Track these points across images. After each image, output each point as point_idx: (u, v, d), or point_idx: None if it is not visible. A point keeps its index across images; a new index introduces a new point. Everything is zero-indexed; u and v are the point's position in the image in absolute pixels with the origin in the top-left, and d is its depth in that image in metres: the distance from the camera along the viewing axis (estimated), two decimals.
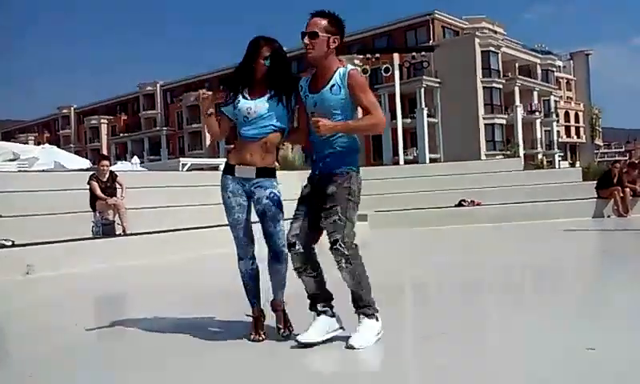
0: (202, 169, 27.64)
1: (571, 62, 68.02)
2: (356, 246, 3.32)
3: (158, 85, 72.53)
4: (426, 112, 46.62)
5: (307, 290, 3.43)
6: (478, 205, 13.07)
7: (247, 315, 3.60)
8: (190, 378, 3.01)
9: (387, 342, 3.43)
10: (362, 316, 3.34)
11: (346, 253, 3.25)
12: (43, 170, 14.00)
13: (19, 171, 13.38)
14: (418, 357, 3.39)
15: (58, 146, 34.07)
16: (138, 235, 8.61)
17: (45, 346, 3.85)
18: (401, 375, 2.99)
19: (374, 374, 3.09)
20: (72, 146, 73.35)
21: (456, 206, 13.10)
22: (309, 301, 3.43)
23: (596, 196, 13.01)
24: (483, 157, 42.93)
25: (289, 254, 3.40)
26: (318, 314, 3.38)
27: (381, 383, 2.91)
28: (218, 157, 51.15)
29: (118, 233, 8.70)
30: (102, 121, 76.01)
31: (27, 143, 61.26)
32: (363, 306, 3.35)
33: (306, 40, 3.26)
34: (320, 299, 3.41)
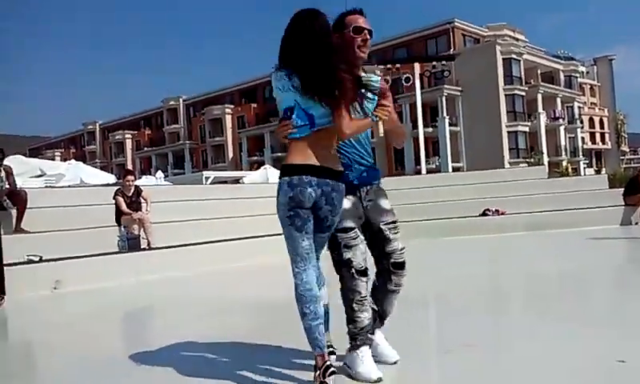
0: (225, 182, 27.83)
1: (594, 67, 67.30)
2: None
3: (181, 99, 73.40)
4: (447, 121, 46.39)
5: (365, 323, 2.98)
6: (502, 214, 12.95)
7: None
8: None
9: (410, 354, 3.41)
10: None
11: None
12: (69, 186, 14.23)
13: (46, 187, 13.60)
14: (441, 369, 3.35)
15: (84, 162, 34.60)
16: (163, 249, 8.70)
17: (73, 361, 3.90)
18: None
19: None
20: (97, 161, 74.54)
21: (480, 215, 13.00)
22: (361, 335, 2.98)
23: (623, 203, 12.79)
24: (507, 165, 42.54)
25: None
26: (370, 346, 3.04)
27: None
28: (241, 170, 51.64)
29: (143, 247, 8.80)
30: (127, 136, 77.11)
31: (54, 159, 62.48)
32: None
33: (369, 37, 3.00)
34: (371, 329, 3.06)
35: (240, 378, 3.17)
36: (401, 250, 3.10)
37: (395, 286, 3.12)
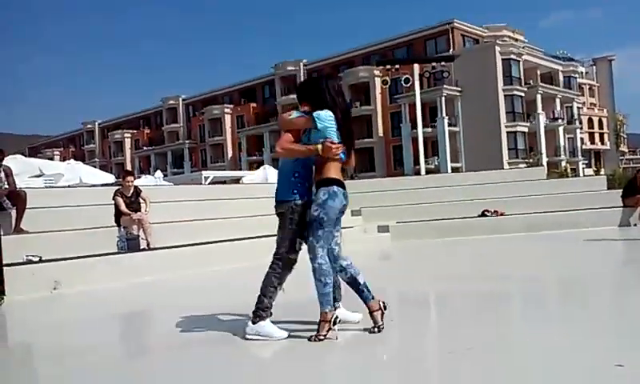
0: (224, 182, 27.85)
1: (594, 67, 67.34)
2: None
3: (181, 99, 73.43)
4: (446, 121, 46.42)
5: None
6: (501, 215, 12.96)
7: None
8: None
9: (412, 357, 3.42)
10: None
11: None
12: (69, 186, 14.23)
13: (45, 187, 13.60)
14: (443, 373, 3.36)
15: (83, 161, 34.55)
16: (162, 249, 8.70)
17: (72, 364, 3.90)
18: None
19: None
20: (97, 160, 74.56)
21: (479, 216, 13.01)
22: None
23: (622, 204, 12.80)
24: (506, 165, 42.57)
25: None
26: None
27: None
28: (240, 169, 51.64)
29: (142, 247, 8.79)
30: (126, 135, 77.13)
31: (53, 158, 62.52)
32: None
33: None
34: None
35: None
36: None
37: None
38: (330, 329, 3.77)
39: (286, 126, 4.05)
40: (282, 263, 3.97)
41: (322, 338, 3.74)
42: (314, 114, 3.88)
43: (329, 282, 3.84)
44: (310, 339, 3.75)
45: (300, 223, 3.93)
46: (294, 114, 4.03)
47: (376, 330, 3.85)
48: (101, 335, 4.87)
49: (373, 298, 3.93)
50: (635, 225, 12.36)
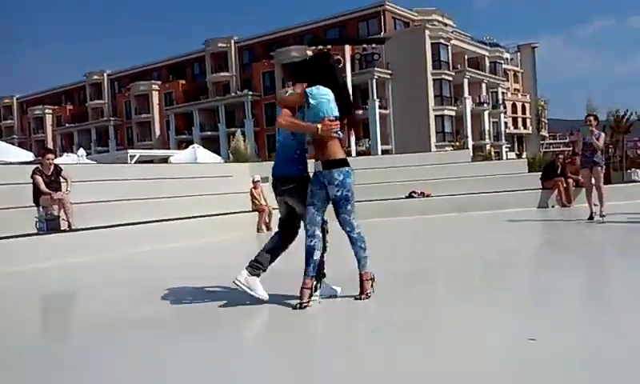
0: (151, 161, 27.17)
1: (518, 54, 69.73)
2: None
3: (105, 74, 70.73)
4: (377, 103, 46.96)
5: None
6: (427, 196, 13.29)
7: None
8: (142, 374, 2.96)
9: (337, 335, 3.45)
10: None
11: None
12: None
13: None
14: (367, 350, 3.42)
15: (0, 138, 32.76)
16: (83, 231, 8.41)
17: None
18: (349, 369, 3.01)
19: (322, 367, 3.10)
20: (15, 137, 71.00)
21: (406, 197, 13.29)
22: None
23: (541, 187, 13.40)
24: (433, 148, 43.59)
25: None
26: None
27: (329, 378, 2.93)
28: (169, 148, 50.45)
29: (63, 228, 8.47)
30: (47, 111, 73.63)
31: None
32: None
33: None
34: None
35: (162, 365, 3.12)
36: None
37: None
38: (311, 294, 4.11)
39: (282, 102, 4.21)
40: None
41: (305, 304, 4.02)
42: (307, 90, 4.01)
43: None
44: (295, 307, 4.01)
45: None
46: (289, 91, 4.23)
47: (363, 296, 4.26)
48: (16, 320, 4.66)
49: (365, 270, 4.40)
50: (553, 206, 12.99)
